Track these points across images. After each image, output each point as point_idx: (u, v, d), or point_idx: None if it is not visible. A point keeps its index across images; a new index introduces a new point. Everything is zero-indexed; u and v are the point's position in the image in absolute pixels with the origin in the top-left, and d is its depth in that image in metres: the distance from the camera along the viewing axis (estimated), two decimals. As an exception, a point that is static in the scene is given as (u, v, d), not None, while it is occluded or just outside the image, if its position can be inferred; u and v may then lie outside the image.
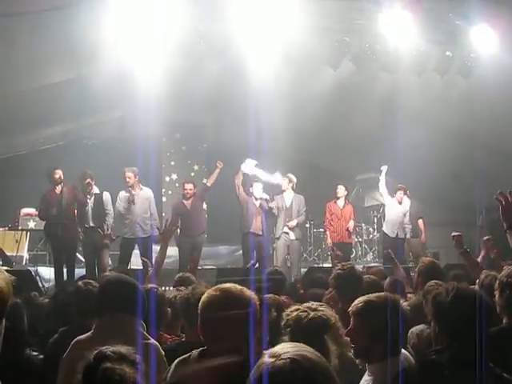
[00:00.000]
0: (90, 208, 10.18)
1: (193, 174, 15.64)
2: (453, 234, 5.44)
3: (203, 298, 2.59)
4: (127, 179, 10.29)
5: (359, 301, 3.02)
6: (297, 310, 3.15)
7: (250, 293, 2.59)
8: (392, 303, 2.94)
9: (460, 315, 2.87)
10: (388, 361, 2.80)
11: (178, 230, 10.28)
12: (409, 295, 5.29)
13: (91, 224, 10.17)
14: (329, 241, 11.85)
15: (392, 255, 6.44)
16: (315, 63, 11.11)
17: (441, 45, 11.06)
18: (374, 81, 11.55)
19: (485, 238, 5.59)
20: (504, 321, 3.66)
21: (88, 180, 10.15)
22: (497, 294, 3.69)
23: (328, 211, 11.75)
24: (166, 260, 5.58)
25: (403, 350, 3.10)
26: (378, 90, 11.61)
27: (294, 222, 11.33)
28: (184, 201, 11.01)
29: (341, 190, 11.75)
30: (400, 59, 10.96)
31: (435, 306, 3.02)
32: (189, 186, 11.01)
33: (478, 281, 4.53)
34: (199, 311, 2.59)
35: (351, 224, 11.74)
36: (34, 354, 3.70)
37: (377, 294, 3.09)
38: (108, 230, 10.21)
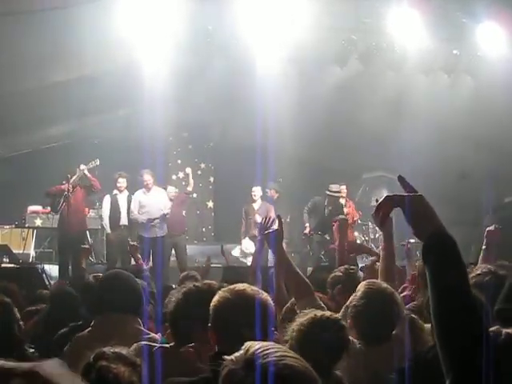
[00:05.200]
0: (124, 208, 10.74)
1: (199, 172, 15.64)
2: None
3: (216, 299, 2.52)
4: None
5: None
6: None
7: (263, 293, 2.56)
8: None
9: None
10: None
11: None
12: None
13: (125, 223, 10.72)
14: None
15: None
16: (322, 62, 11.10)
17: (448, 43, 11.02)
18: (381, 79, 11.52)
19: (490, 227, 5.34)
20: None
21: (123, 180, 10.74)
22: None
23: None
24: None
25: None
26: (384, 89, 11.58)
27: None
28: None
29: (343, 190, 11.85)
30: (407, 58, 10.93)
31: (426, 304, 3.10)
32: (171, 189, 11.50)
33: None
34: (212, 313, 2.50)
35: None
36: (31, 350, 3.69)
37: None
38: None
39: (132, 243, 7.31)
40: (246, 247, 11.51)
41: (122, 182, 10.79)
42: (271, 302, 2.54)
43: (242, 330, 2.37)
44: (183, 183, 11.87)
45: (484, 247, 5.26)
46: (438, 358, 2.88)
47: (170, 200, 11.18)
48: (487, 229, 5.32)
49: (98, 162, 10.59)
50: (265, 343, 1.51)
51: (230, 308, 2.46)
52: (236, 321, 2.42)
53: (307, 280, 3.67)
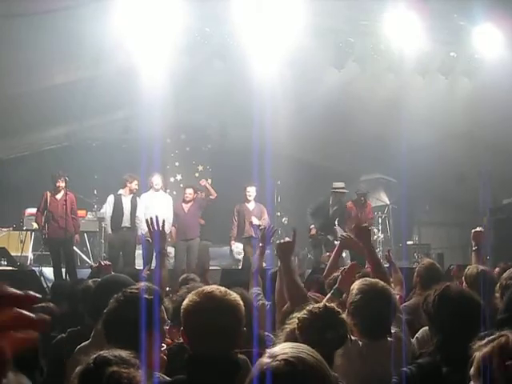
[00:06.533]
0: (128, 210, 10.54)
1: (197, 174, 15.64)
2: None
3: (185, 303, 2.56)
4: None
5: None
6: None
7: (234, 295, 2.59)
8: None
9: (443, 315, 2.98)
10: None
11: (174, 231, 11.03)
12: None
13: (127, 225, 10.52)
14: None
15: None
16: (319, 64, 11.10)
17: (445, 45, 11.04)
18: (379, 81, 11.53)
19: (476, 229, 5.38)
20: None
21: (136, 182, 10.57)
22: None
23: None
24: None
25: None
26: (382, 91, 11.60)
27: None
28: (183, 204, 11.29)
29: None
30: (404, 60, 10.93)
31: (423, 307, 3.15)
32: (188, 191, 11.32)
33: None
34: (182, 316, 2.56)
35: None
36: None
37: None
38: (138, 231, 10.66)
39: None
40: (238, 252, 11.47)
41: (137, 185, 10.64)
42: (241, 302, 2.57)
43: (212, 331, 2.44)
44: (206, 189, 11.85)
45: (474, 248, 5.30)
46: (435, 363, 2.90)
47: (187, 202, 11.18)
48: (473, 230, 5.35)
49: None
50: (287, 343, 1.82)
51: (199, 310, 2.50)
52: (205, 322, 2.47)
53: (305, 290, 3.85)
